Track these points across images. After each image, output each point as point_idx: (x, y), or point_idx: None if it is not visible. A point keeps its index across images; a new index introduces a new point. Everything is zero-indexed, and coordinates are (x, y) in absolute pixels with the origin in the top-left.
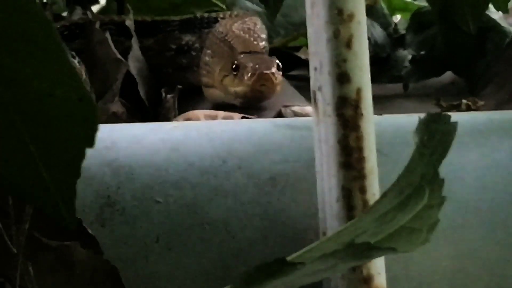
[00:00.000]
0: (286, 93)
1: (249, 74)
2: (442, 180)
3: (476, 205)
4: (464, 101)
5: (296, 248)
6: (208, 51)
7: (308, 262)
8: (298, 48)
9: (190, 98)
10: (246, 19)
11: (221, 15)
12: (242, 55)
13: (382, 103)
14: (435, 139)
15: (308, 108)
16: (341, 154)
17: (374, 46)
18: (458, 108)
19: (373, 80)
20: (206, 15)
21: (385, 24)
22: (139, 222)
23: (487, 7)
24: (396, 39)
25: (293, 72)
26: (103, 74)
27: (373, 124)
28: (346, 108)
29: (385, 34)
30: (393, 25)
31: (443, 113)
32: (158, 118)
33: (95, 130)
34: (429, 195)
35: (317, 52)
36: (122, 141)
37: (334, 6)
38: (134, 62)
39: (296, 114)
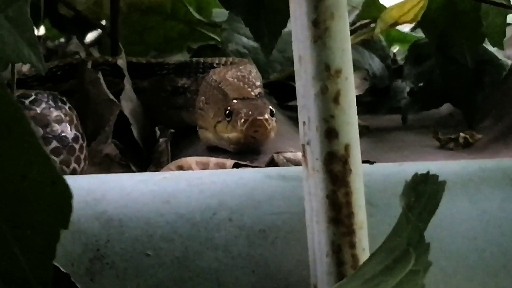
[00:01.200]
0: (282, 135)
1: (242, 120)
2: (428, 245)
3: (466, 255)
4: (462, 134)
5: None
6: (202, 98)
7: None
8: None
9: (185, 138)
10: (241, 67)
11: (217, 61)
12: (235, 101)
13: (380, 135)
14: (422, 200)
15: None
16: (330, 209)
17: (372, 78)
18: (456, 142)
19: (372, 111)
20: (201, 60)
21: (383, 55)
22: (130, 275)
23: (483, 41)
24: (394, 70)
25: (290, 103)
26: (95, 115)
27: (362, 179)
28: (335, 164)
29: (383, 65)
30: (391, 56)
31: (431, 174)
32: (151, 161)
33: (69, 212)
34: (415, 260)
35: (306, 106)
36: (111, 193)
37: (321, 62)
38: (127, 102)
39: (288, 161)
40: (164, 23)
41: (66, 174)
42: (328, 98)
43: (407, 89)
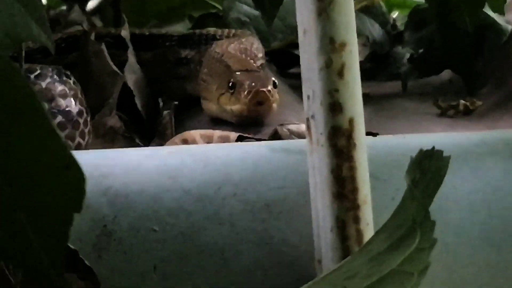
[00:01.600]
0: (285, 105)
1: (246, 92)
2: (433, 222)
3: (468, 228)
4: (462, 101)
5: (292, 275)
6: (205, 70)
7: None
8: (296, 45)
9: (188, 109)
10: (243, 39)
11: (220, 32)
12: (238, 73)
13: (380, 103)
14: (427, 176)
15: (304, 127)
16: (334, 184)
17: (372, 44)
18: (456, 109)
19: (372, 78)
20: (205, 31)
21: (384, 21)
22: (136, 251)
23: (483, 5)
24: (394, 36)
25: (292, 70)
26: (99, 87)
27: (366, 153)
28: (339, 138)
29: (383, 31)
30: (391, 22)
31: (436, 149)
32: (155, 133)
33: (82, 196)
34: (420, 238)
35: (310, 80)
36: (118, 168)
37: (325, 34)
38: (131, 73)
39: (292, 133)
40: None
41: (71, 149)
42: (333, 71)
43: (407, 55)
